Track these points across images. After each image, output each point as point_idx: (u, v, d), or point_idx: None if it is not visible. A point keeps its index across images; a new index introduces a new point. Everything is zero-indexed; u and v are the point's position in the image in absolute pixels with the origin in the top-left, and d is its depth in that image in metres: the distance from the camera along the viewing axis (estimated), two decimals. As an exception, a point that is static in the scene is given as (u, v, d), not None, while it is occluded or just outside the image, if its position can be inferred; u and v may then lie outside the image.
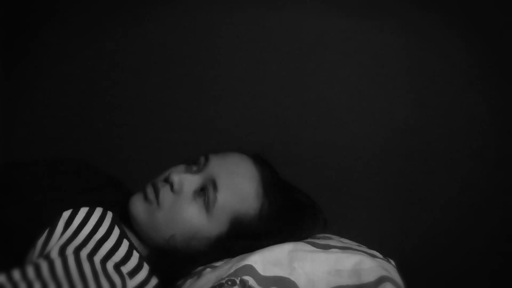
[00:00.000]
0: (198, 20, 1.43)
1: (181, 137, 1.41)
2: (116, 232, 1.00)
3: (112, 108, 1.46)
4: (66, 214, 0.99)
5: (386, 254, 1.07)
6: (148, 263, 0.99)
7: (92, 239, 0.96)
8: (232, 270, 0.96)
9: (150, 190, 1.02)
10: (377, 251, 1.07)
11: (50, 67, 1.46)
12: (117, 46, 1.45)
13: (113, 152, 1.44)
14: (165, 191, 1.02)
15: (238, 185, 1.03)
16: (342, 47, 1.42)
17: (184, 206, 1.01)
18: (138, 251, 1.00)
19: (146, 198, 1.02)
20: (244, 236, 1.02)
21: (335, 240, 1.09)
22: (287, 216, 1.06)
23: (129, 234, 1.03)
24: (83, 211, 1.00)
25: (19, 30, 1.45)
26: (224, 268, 0.97)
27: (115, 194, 1.13)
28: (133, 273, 0.95)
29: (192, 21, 1.43)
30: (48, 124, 1.45)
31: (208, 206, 1.01)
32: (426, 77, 1.39)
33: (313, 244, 1.03)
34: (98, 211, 1.01)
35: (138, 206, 1.02)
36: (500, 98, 1.37)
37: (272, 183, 1.06)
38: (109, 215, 1.02)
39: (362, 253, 1.02)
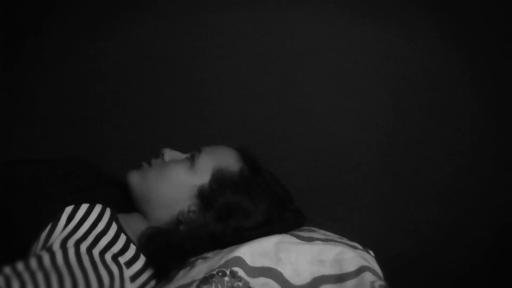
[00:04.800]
0: (192, 21, 1.45)
1: (176, 137, 1.43)
2: (114, 227, 1.05)
3: (111, 108, 1.48)
4: (69, 209, 1.04)
5: (379, 253, 1.11)
6: (145, 255, 1.04)
7: (92, 233, 1.01)
8: (222, 261, 1.00)
9: (143, 162, 1.18)
10: (359, 243, 1.11)
11: (50, 67, 1.47)
12: (116, 46, 1.47)
13: (112, 151, 1.46)
14: (157, 160, 1.16)
15: (220, 150, 1.16)
16: (335, 48, 1.43)
17: (172, 164, 1.14)
18: (134, 244, 1.05)
19: (139, 167, 1.16)
20: (226, 195, 1.09)
21: (318, 233, 1.13)
22: (268, 190, 1.13)
23: (126, 226, 1.07)
24: (84, 207, 1.05)
25: (18, 30, 1.46)
26: (215, 259, 1.02)
27: (113, 192, 1.18)
28: (130, 263, 1.00)
29: (185, 23, 1.45)
30: (48, 123, 1.47)
31: (193, 163, 1.13)
32: (422, 77, 1.40)
33: (298, 237, 1.08)
34: (98, 208, 1.06)
35: (133, 174, 1.15)
36: (497, 97, 1.38)
37: (254, 161, 1.16)
38: (108, 211, 1.07)
39: (343, 244, 1.06)
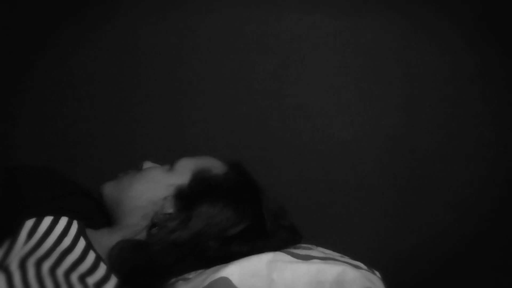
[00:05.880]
0: (179, 20, 1.42)
1: (162, 143, 1.40)
2: (81, 243, 0.96)
3: (110, 110, 1.43)
4: (29, 223, 0.95)
5: (377, 266, 1.04)
6: (116, 275, 0.94)
7: (56, 250, 0.92)
8: (206, 283, 0.91)
9: (120, 173, 1.11)
10: (363, 263, 1.02)
11: (48, 68, 1.43)
12: (112, 47, 1.43)
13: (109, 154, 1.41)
14: (134, 171, 1.10)
15: (204, 157, 1.10)
16: (328, 45, 1.40)
17: (148, 168, 1.08)
18: (105, 263, 0.95)
19: (116, 177, 1.09)
20: (207, 196, 1.01)
21: (317, 251, 1.04)
22: (257, 199, 1.04)
23: (96, 242, 0.98)
24: (47, 220, 0.96)
25: (18, 32, 1.44)
26: (197, 280, 0.92)
27: (82, 203, 1.10)
28: (99, 284, 0.91)
29: (171, 22, 1.42)
30: (46, 125, 1.42)
31: (172, 166, 1.07)
32: (422, 78, 1.39)
33: (293, 255, 0.99)
34: (63, 221, 0.98)
35: (108, 184, 1.08)
36: (501, 98, 1.37)
37: (243, 170, 1.08)
38: (75, 225, 0.98)
39: (345, 263, 0.97)
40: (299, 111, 1.40)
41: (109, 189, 1.06)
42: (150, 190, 1.03)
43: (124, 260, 0.95)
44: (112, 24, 1.41)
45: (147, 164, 1.10)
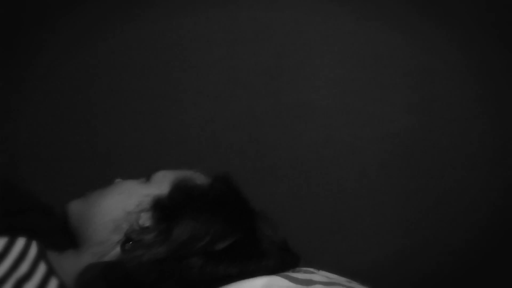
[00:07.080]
0: (169, 20, 1.39)
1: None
2: (42, 268, 0.87)
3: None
4: None
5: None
6: None
7: (11, 278, 0.84)
8: (190, 313, 0.83)
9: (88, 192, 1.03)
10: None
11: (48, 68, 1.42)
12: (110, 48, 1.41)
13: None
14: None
15: (183, 169, 1.02)
16: (331, 37, 1.38)
17: (120, 181, 1.01)
18: None
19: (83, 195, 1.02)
20: (189, 207, 0.92)
21: (319, 275, 0.96)
22: (246, 214, 0.96)
23: (59, 267, 0.89)
24: (1, 242, 0.88)
25: (17, 30, 1.43)
26: None
27: (43, 221, 1.02)
28: None
29: (163, 22, 1.39)
30: (47, 125, 1.40)
31: (148, 178, 0.99)
32: (426, 79, 1.36)
33: (292, 279, 0.89)
34: (20, 242, 0.89)
35: (75, 202, 1.00)
36: (504, 99, 1.35)
37: (231, 183, 1.00)
38: (34, 247, 0.90)
39: None
40: (299, 111, 1.38)
41: (75, 207, 0.98)
42: (122, 202, 0.94)
43: (95, 285, 0.86)
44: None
45: (118, 178, 1.03)
